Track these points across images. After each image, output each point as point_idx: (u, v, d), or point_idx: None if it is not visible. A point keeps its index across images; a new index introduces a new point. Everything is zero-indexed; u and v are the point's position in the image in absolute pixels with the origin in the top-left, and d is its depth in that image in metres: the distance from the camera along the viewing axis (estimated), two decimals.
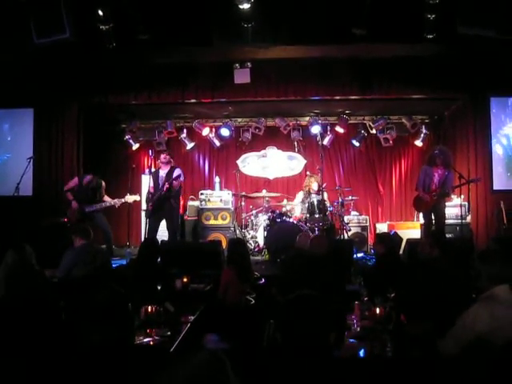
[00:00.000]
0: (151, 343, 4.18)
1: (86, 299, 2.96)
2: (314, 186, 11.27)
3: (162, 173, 10.09)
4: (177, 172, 10.00)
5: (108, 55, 9.40)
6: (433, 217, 9.66)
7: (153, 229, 9.84)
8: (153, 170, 10.31)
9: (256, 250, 11.09)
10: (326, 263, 5.52)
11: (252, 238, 11.46)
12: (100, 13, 8.27)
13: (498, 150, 10.81)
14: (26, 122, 10.91)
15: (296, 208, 11.36)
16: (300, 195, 11.54)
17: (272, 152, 13.20)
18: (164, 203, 9.82)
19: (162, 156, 10.21)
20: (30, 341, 3.52)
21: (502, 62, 9.71)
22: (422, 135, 12.57)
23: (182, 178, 10.12)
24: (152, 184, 10.04)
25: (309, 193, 11.23)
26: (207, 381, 1.41)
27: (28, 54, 9.24)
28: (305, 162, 13.03)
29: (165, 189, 9.71)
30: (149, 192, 10.07)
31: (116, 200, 9.90)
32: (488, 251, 4.28)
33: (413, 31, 8.61)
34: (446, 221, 10.03)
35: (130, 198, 9.89)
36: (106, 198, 10.09)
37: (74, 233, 7.12)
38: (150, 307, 4.57)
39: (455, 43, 9.02)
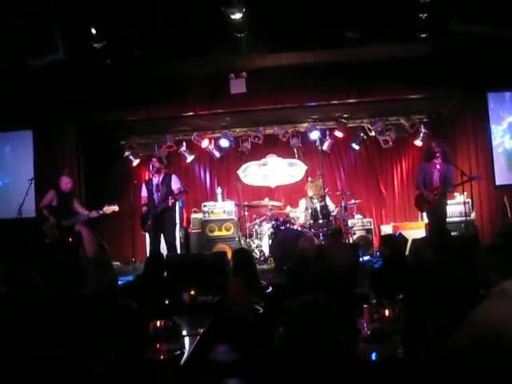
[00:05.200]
0: (161, 358, 4.16)
1: (97, 316, 2.96)
2: (312, 192, 11.28)
3: (156, 181, 9.88)
4: (175, 181, 9.89)
5: (103, 73, 9.42)
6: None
7: (155, 243, 9.80)
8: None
9: (262, 258, 11.07)
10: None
11: (257, 247, 11.45)
12: (93, 31, 8.30)
13: (498, 144, 10.80)
14: (25, 144, 10.93)
15: (299, 215, 11.35)
16: (303, 202, 11.53)
17: (272, 160, 13.19)
18: (163, 215, 9.70)
19: (153, 161, 9.99)
20: (36, 360, 3.51)
21: (497, 56, 9.68)
22: (422, 135, 12.55)
23: (184, 188, 10.02)
24: (145, 194, 9.92)
25: (311, 199, 11.23)
26: None
27: (23, 77, 9.27)
28: (306, 167, 13.01)
29: (170, 203, 9.56)
30: (143, 204, 9.93)
31: (94, 211, 9.47)
32: (496, 245, 4.25)
33: (406, 31, 8.62)
34: (451, 219, 10.07)
35: (108, 209, 9.50)
36: (81, 209, 9.73)
37: None
38: (158, 322, 4.55)
39: (449, 41, 9.03)
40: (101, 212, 9.47)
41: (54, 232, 9.41)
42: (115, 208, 9.56)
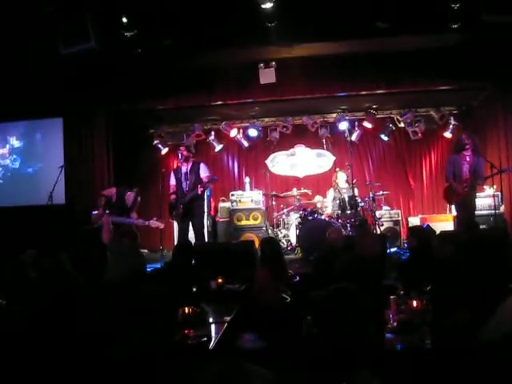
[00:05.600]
0: (189, 343, 4.21)
1: (128, 301, 3.00)
2: (340, 180, 11.27)
3: (185, 169, 9.87)
4: (204, 169, 9.87)
5: (134, 62, 9.49)
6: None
7: (184, 231, 9.84)
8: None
9: (289, 248, 11.10)
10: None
11: (284, 236, 11.47)
12: (124, 20, 8.35)
13: None
14: (56, 132, 11.07)
15: (327, 205, 11.35)
16: (331, 192, 11.53)
17: (300, 150, 13.17)
18: (192, 203, 9.72)
19: (181, 149, 9.96)
20: (67, 343, 3.57)
21: None
22: (451, 126, 12.44)
23: (213, 176, 10.07)
24: (174, 183, 9.93)
25: (339, 189, 11.22)
26: None
27: (55, 65, 9.36)
28: (334, 158, 12.99)
29: (199, 192, 9.53)
30: (171, 193, 9.95)
31: (141, 220, 9.64)
32: None
33: (437, 21, 8.55)
34: (480, 211, 9.96)
35: (153, 224, 9.68)
36: (133, 214, 9.85)
37: (121, 234, 7.25)
38: (187, 308, 4.60)
39: (480, 31, 8.92)
40: (146, 223, 9.64)
41: (97, 222, 9.62)
42: (161, 225, 9.71)
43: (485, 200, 10.51)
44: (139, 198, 9.95)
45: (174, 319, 3.15)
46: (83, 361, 3.24)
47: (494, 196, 9.98)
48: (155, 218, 9.66)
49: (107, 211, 9.60)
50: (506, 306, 3.51)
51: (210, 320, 5.10)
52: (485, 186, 10.56)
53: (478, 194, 9.98)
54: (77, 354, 3.41)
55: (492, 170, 9.37)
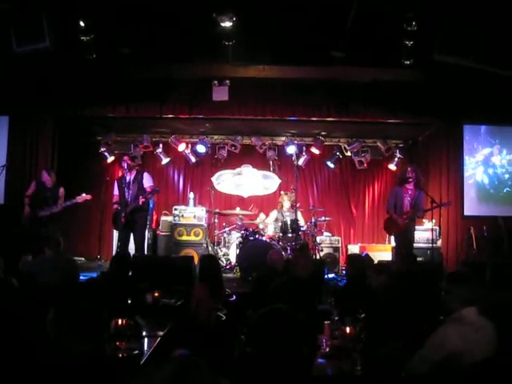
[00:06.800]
0: (120, 356, 4.15)
1: (62, 309, 2.94)
2: (286, 204, 11.36)
3: (128, 178, 9.81)
4: (147, 179, 9.89)
5: (87, 66, 9.39)
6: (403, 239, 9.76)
7: (124, 242, 9.72)
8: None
9: (228, 267, 11.07)
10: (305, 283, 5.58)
11: (224, 255, 11.45)
12: (82, 24, 8.26)
13: (469, 176, 11.00)
14: (0, 130, 10.78)
15: (269, 226, 11.40)
16: (274, 214, 11.58)
17: (247, 170, 13.22)
18: (134, 214, 9.66)
19: (125, 158, 9.93)
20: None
21: (476, 90, 9.90)
22: (396, 159, 12.71)
23: (155, 187, 10.05)
24: (117, 192, 9.87)
25: (282, 211, 11.29)
26: None
27: (6, 62, 9.18)
28: (279, 181, 13.07)
29: (140, 203, 9.50)
30: (114, 202, 9.87)
31: (67, 202, 9.58)
32: (460, 273, 4.33)
33: (390, 56, 8.76)
34: (417, 244, 10.18)
35: (80, 199, 9.62)
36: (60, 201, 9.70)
37: (43, 243, 7.08)
38: (120, 320, 4.53)
39: (431, 70, 9.19)
40: (74, 201, 9.57)
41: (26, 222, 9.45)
42: (87, 197, 9.63)
43: (423, 233, 10.75)
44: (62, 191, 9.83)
45: (103, 329, 3.10)
46: (13, 364, 3.16)
47: (432, 230, 10.19)
48: (78, 195, 9.62)
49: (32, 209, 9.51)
50: (435, 336, 3.58)
51: (144, 333, 5.03)
52: (424, 220, 10.80)
53: (416, 227, 10.21)
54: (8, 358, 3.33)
55: (432, 205, 9.59)
